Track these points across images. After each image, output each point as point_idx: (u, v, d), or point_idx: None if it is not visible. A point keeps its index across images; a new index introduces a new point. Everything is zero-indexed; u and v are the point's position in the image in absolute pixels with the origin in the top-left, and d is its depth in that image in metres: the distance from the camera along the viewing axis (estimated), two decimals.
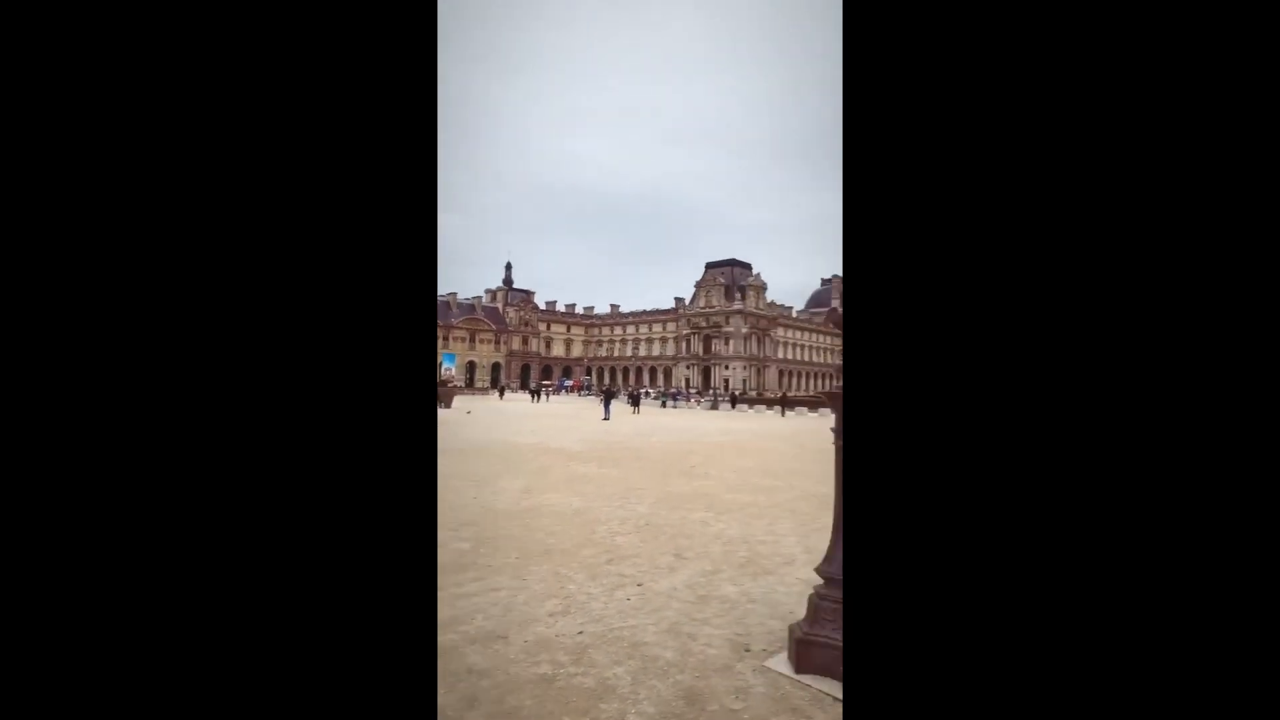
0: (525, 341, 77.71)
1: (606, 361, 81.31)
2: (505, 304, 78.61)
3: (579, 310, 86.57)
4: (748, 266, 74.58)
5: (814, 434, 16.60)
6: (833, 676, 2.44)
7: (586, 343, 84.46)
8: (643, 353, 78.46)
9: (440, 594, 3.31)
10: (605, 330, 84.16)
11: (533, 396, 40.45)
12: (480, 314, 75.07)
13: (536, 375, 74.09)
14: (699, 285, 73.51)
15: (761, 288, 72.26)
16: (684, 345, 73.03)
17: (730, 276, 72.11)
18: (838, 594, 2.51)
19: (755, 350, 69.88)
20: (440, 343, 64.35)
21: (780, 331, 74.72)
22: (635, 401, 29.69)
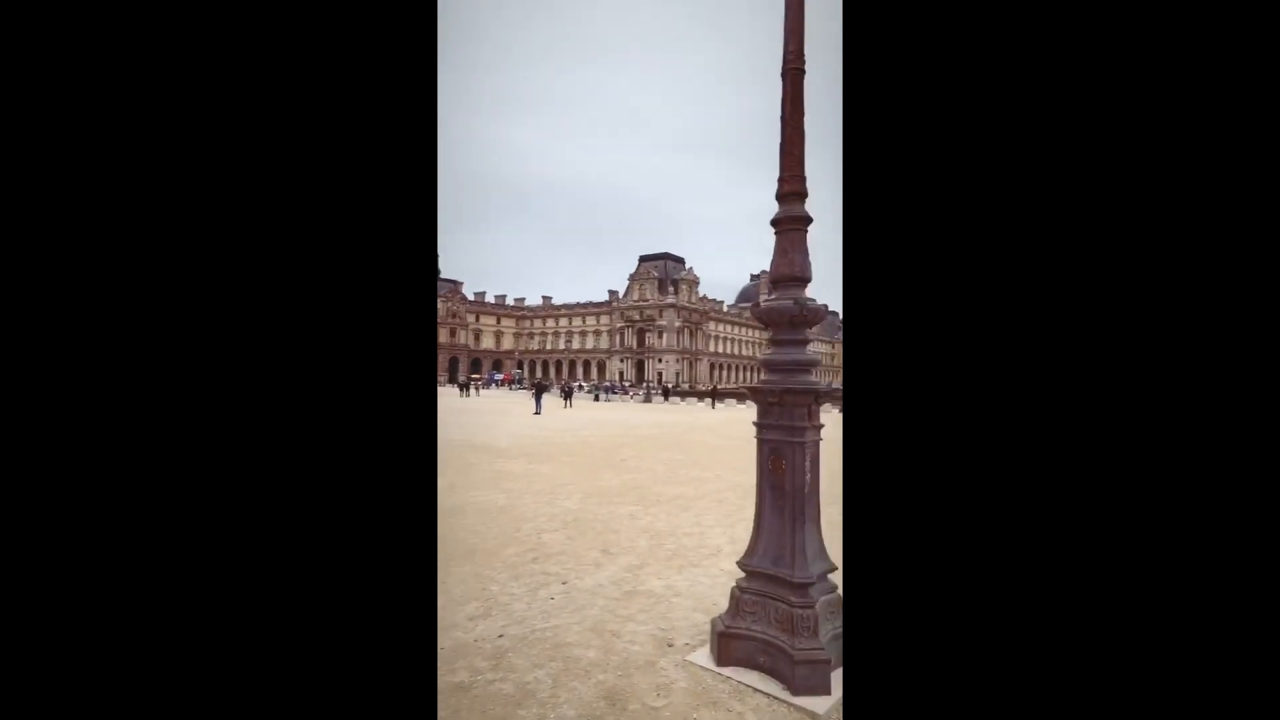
0: (453, 334, 75.16)
1: (539, 354, 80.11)
2: None
3: (509, 302, 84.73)
4: (681, 260, 75.55)
5: (742, 424, 17.03)
6: (753, 668, 2.47)
7: (518, 335, 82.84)
8: (576, 345, 77.89)
9: None
10: (537, 322, 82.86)
11: (461, 391, 39.15)
12: None
13: (465, 369, 71.90)
14: (632, 278, 73.72)
15: (694, 282, 73.39)
16: (618, 338, 73.11)
17: (664, 270, 72.77)
18: (759, 586, 2.55)
19: (688, 344, 70.99)
20: None
21: (712, 325, 76.27)
22: (567, 395, 29.41)
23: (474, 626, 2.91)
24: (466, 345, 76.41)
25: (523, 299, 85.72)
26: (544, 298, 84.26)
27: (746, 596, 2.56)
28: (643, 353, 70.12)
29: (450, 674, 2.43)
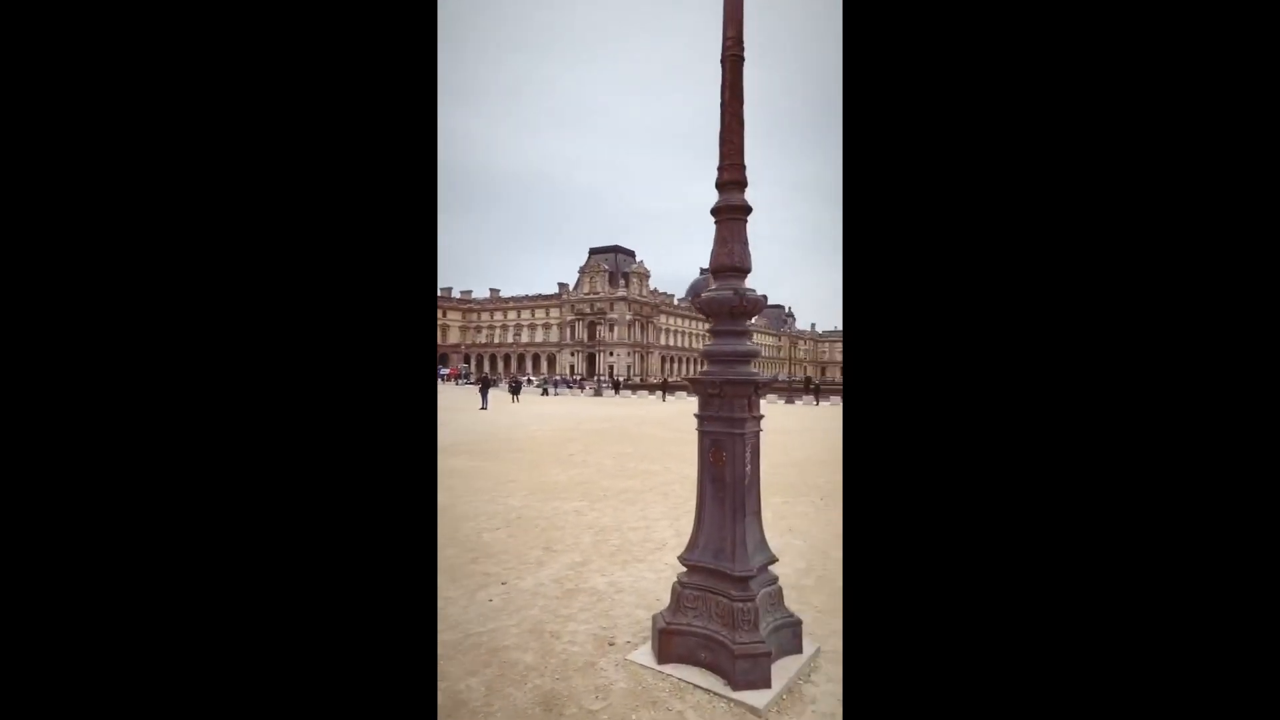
0: None
1: (486, 348, 78.48)
2: None
3: (455, 295, 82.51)
4: (631, 253, 75.46)
5: (691, 417, 17.14)
6: (695, 664, 2.43)
7: (464, 329, 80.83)
8: (525, 339, 76.74)
9: None
10: (485, 316, 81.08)
11: None
12: None
13: None
14: (583, 271, 73.16)
15: (645, 275, 73.51)
16: (568, 331, 72.50)
17: (614, 263, 72.54)
18: (700, 581, 2.51)
19: (639, 337, 71.13)
20: None
21: (663, 319, 76.66)
22: (515, 390, 28.92)
23: None
24: None
25: (469, 292, 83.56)
26: (491, 290, 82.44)
27: (688, 591, 2.52)
28: (593, 346, 69.81)
29: None
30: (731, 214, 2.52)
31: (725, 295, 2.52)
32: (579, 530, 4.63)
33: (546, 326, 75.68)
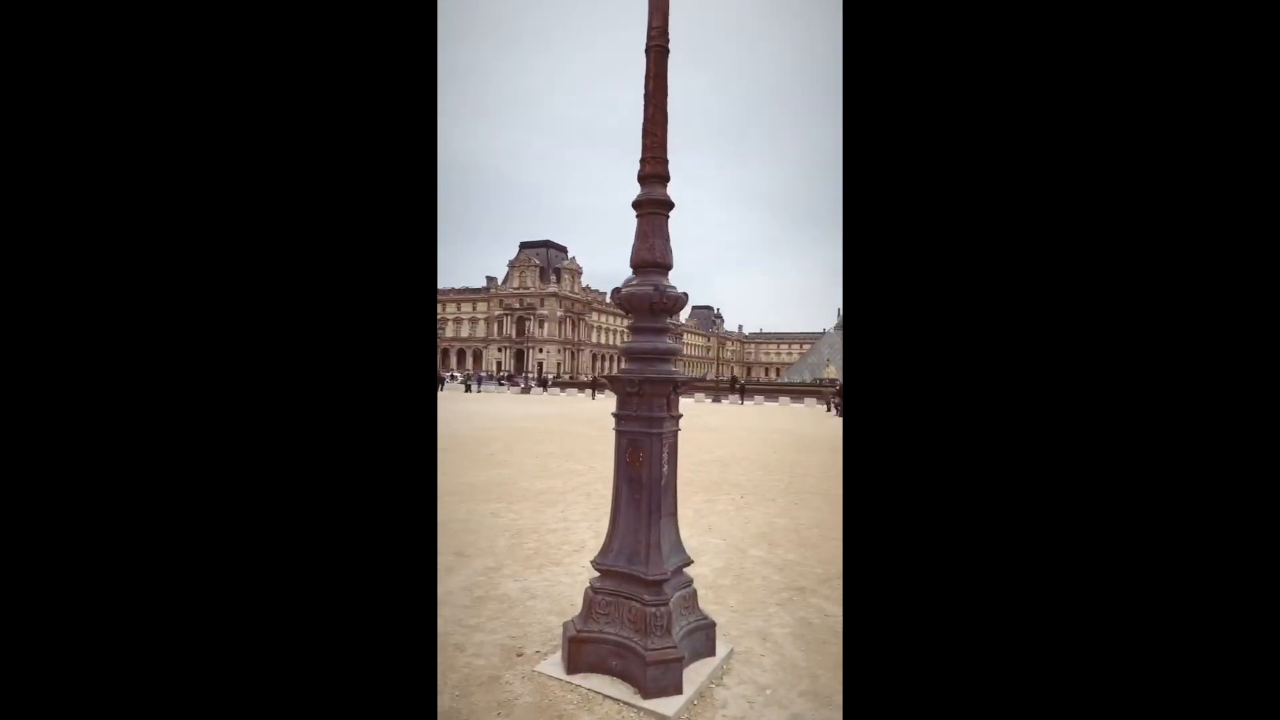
0: None
1: None
2: None
3: None
4: (564, 249, 74.65)
5: None
6: (606, 672, 2.34)
7: None
8: (450, 334, 74.17)
9: None
10: None
11: None
12: None
13: None
14: (513, 265, 71.59)
15: (577, 271, 72.93)
16: (496, 327, 70.72)
17: (545, 258, 71.47)
18: (613, 585, 2.43)
19: (570, 334, 70.48)
20: None
21: (595, 316, 76.36)
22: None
23: None
24: None
25: None
26: None
27: (600, 597, 2.43)
28: (522, 342, 68.45)
29: None
30: (653, 208, 2.45)
31: (645, 291, 2.44)
32: (494, 534, 4.44)
33: (473, 321, 73.50)
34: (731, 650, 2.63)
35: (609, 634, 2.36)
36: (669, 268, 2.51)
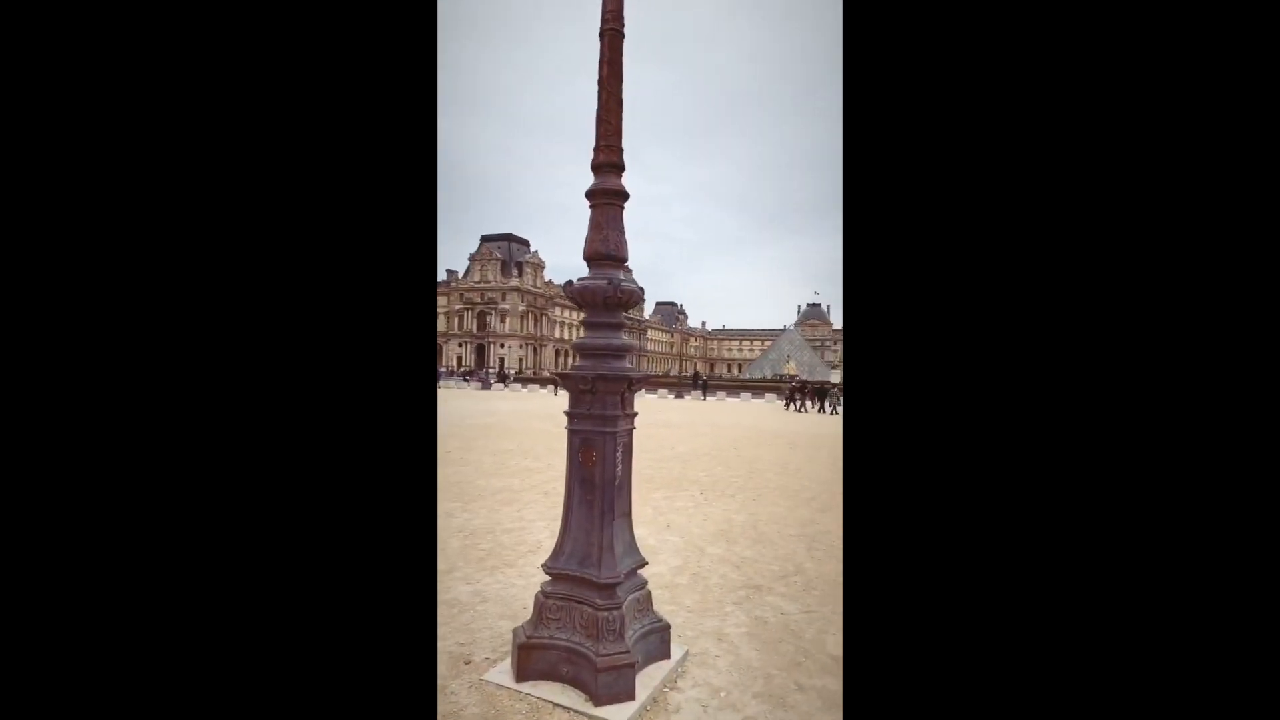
0: None
1: None
2: None
3: None
4: (526, 243, 73.63)
5: None
6: (556, 679, 2.26)
7: None
8: None
9: None
10: None
11: None
12: None
13: None
14: (474, 259, 70.21)
15: (540, 265, 72.06)
16: (456, 321, 69.31)
17: (507, 252, 70.35)
18: (564, 589, 2.35)
19: (532, 329, 69.67)
20: None
21: (558, 311, 75.66)
22: None
23: None
24: None
25: None
26: None
27: (550, 602, 2.35)
28: (483, 337, 67.28)
29: None
30: (607, 198, 2.36)
31: (599, 284, 2.36)
32: (447, 534, 4.29)
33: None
34: (686, 652, 2.59)
35: (560, 640, 2.28)
36: (624, 260, 2.43)
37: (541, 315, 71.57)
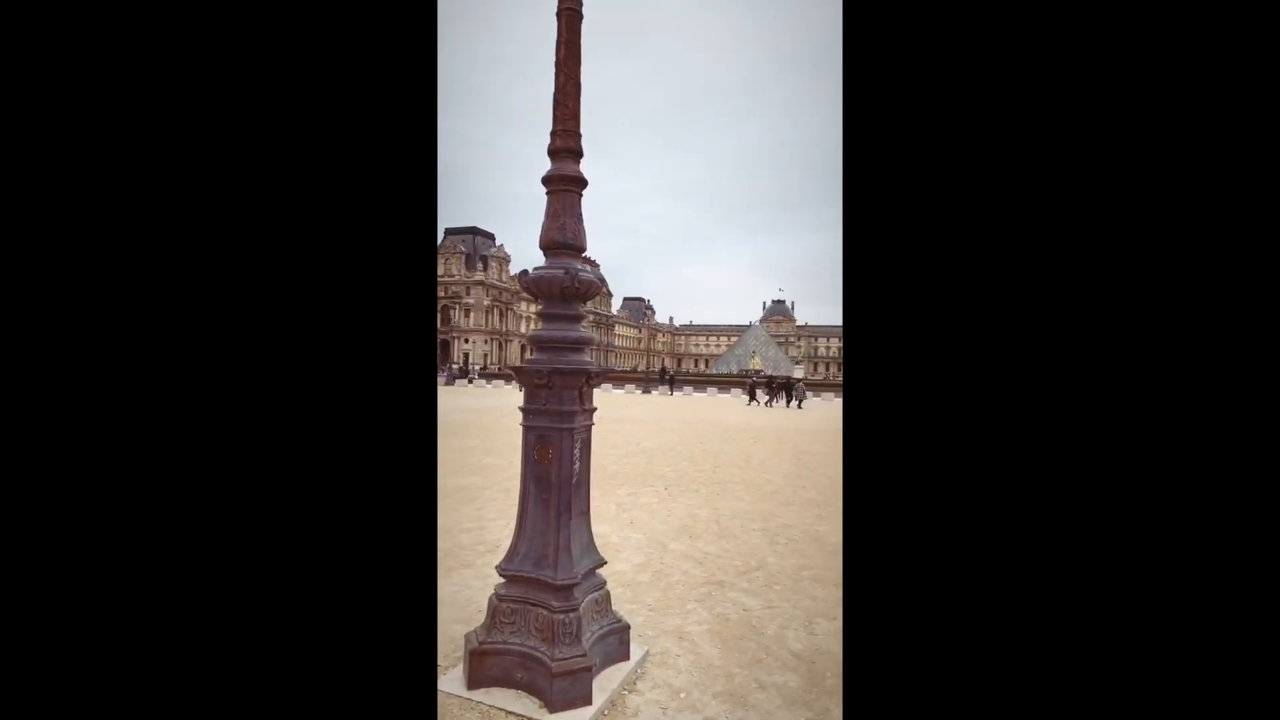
0: None
1: None
2: None
3: None
4: (491, 236, 72.48)
5: None
6: (511, 685, 2.17)
7: None
8: None
9: None
10: None
11: None
12: None
13: None
14: (438, 252, 68.77)
15: (505, 259, 71.01)
16: None
17: (472, 245, 69.12)
18: (519, 592, 2.25)
19: (497, 324, 68.69)
20: None
21: (524, 306, 74.76)
22: None
23: None
24: None
25: None
26: None
27: (505, 605, 2.25)
28: (448, 332, 66.00)
29: None
30: (564, 184, 2.27)
31: (555, 274, 2.27)
32: None
33: None
34: (647, 652, 2.53)
35: (514, 645, 2.19)
36: (582, 249, 2.34)
37: (507, 310, 70.64)
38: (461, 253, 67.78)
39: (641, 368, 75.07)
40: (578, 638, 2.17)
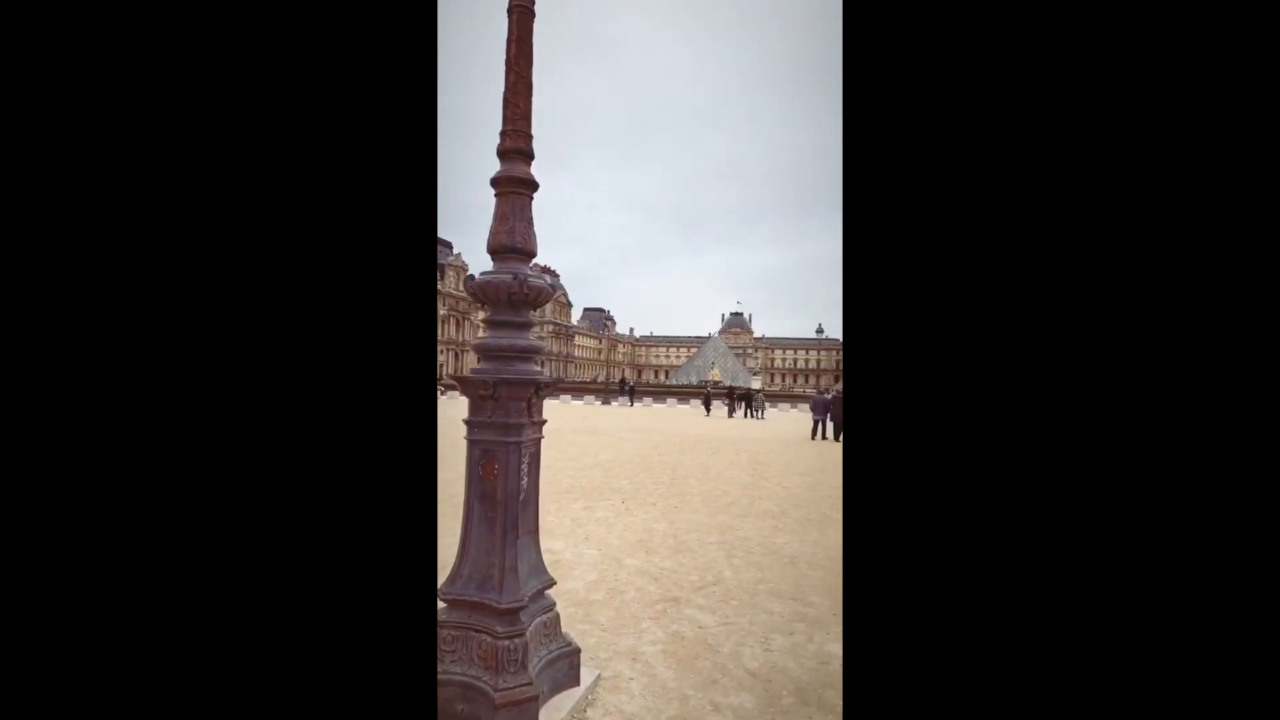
0: None
1: None
2: None
3: None
4: (448, 245, 71.24)
5: None
6: (451, 718, 2.03)
7: None
8: None
9: None
10: None
11: None
12: None
13: None
14: None
15: (462, 268, 69.81)
16: None
17: None
18: (461, 617, 2.11)
19: (454, 334, 67.33)
20: None
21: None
22: None
23: None
24: None
25: None
26: None
27: (446, 632, 2.11)
28: None
29: None
30: (513, 186, 2.17)
31: (503, 279, 2.16)
32: None
33: None
34: (598, 676, 2.42)
35: (454, 675, 2.05)
36: (532, 254, 2.25)
37: (464, 320, 69.37)
38: None
39: (602, 378, 74.86)
40: (524, 665, 2.05)
